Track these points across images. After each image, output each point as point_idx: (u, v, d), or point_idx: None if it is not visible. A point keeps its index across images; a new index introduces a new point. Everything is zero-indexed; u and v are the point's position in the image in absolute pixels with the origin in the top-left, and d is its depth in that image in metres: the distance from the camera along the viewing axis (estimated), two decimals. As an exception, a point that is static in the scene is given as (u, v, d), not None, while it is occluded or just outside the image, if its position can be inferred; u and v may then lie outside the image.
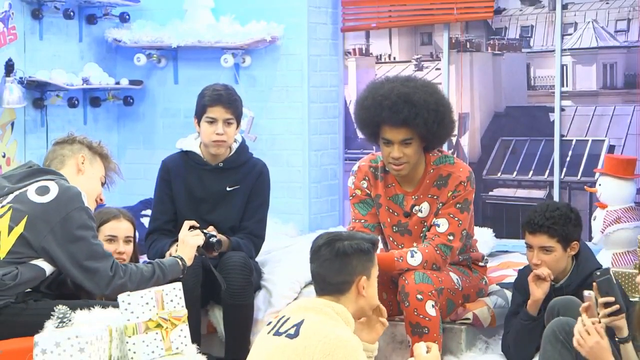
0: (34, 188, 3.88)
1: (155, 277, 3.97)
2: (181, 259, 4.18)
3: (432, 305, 4.27)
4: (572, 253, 4.28)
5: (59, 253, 3.82)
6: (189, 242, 4.32)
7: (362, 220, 4.60)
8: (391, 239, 4.58)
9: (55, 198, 3.84)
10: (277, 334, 3.36)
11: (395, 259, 4.38)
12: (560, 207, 4.30)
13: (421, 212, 4.52)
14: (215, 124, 4.87)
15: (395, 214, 4.56)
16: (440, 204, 4.46)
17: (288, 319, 3.40)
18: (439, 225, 4.45)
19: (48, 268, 3.88)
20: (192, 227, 4.55)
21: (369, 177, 4.62)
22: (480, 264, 4.75)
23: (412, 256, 4.40)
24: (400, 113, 4.35)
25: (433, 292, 4.29)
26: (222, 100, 4.87)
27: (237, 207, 4.98)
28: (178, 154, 5.08)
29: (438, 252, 4.41)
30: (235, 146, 5.03)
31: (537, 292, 4.22)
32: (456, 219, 4.44)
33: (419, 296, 4.24)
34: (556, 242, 4.23)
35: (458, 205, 4.45)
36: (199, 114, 4.93)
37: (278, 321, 3.43)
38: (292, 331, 3.33)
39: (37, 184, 3.89)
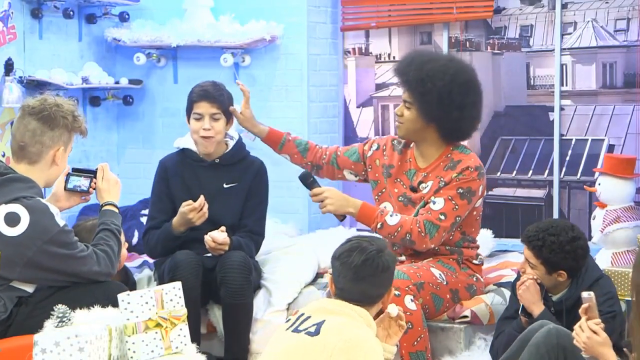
0: (3, 215, 3.78)
1: (119, 241, 4.07)
2: (115, 205, 4.19)
3: (412, 300, 4.29)
4: (559, 279, 4.15)
5: (42, 277, 3.85)
6: (109, 179, 4.23)
7: (340, 149, 4.94)
8: (395, 207, 4.65)
9: (28, 229, 3.77)
10: (296, 330, 3.38)
11: (378, 212, 4.50)
12: (562, 234, 4.10)
13: (426, 189, 4.55)
14: (202, 119, 4.91)
15: (404, 186, 4.62)
16: (443, 183, 4.49)
17: (308, 317, 3.41)
18: (434, 203, 4.49)
19: (31, 289, 3.90)
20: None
21: (386, 147, 4.78)
22: (475, 261, 4.75)
23: (391, 216, 4.49)
24: (405, 75, 4.56)
25: (410, 287, 4.31)
26: (208, 95, 4.92)
27: (235, 204, 5.00)
28: (175, 152, 5.12)
29: (418, 225, 4.43)
30: (231, 143, 5.05)
31: (522, 298, 4.17)
32: (453, 202, 4.46)
33: (396, 292, 4.26)
34: (540, 263, 4.14)
35: (460, 190, 4.47)
36: (188, 111, 4.99)
37: (297, 319, 3.44)
38: (312, 329, 3.34)
39: (5, 208, 3.79)
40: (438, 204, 4.48)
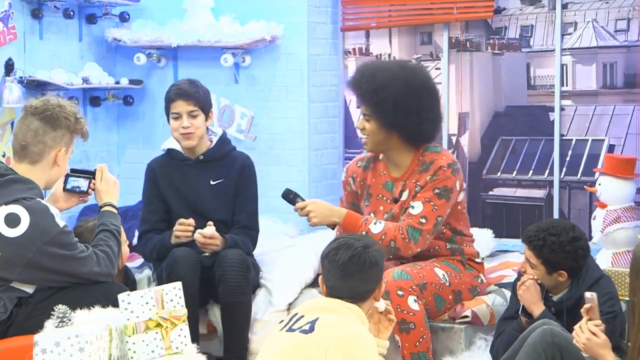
0: (3, 216, 3.79)
1: (118, 242, 4.07)
2: (113, 205, 4.19)
3: (415, 300, 4.29)
4: (560, 279, 4.15)
5: (42, 278, 3.84)
6: (108, 180, 4.23)
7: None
8: None
9: (28, 230, 3.77)
10: (291, 330, 3.39)
11: (362, 220, 4.50)
12: (562, 234, 4.10)
13: (403, 196, 4.56)
14: (180, 118, 4.95)
15: (388, 201, 4.61)
16: (419, 187, 4.48)
17: (302, 316, 3.42)
18: (413, 207, 4.49)
19: (31, 289, 3.89)
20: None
21: (356, 173, 4.76)
22: (477, 260, 4.75)
23: (375, 224, 4.48)
24: (358, 88, 4.57)
25: (414, 287, 4.32)
26: (182, 94, 4.97)
27: (225, 200, 5.02)
28: (162, 154, 5.16)
29: (401, 232, 4.43)
30: (215, 139, 5.08)
31: (523, 298, 4.18)
32: (432, 203, 4.46)
33: (400, 292, 4.26)
34: (540, 263, 4.14)
35: (436, 190, 4.47)
36: (167, 111, 5.04)
37: (290, 319, 3.45)
38: (306, 327, 3.36)
39: (5, 209, 3.80)
40: (417, 208, 4.47)
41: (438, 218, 4.47)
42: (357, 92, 4.61)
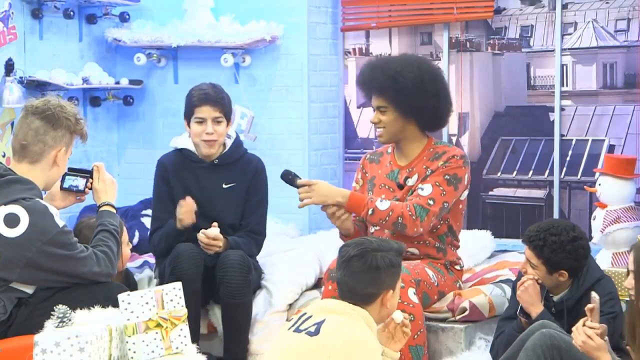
0: (2, 216, 3.77)
1: (118, 242, 4.05)
2: (112, 205, 4.18)
3: (414, 293, 4.31)
4: (560, 279, 4.14)
5: (42, 278, 3.83)
6: (105, 180, 4.19)
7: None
8: None
9: (27, 230, 3.76)
10: (298, 330, 3.41)
11: (368, 199, 4.51)
12: (562, 234, 4.09)
13: (410, 182, 4.58)
14: (205, 123, 4.92)
15: (391, 190, 4.62)
16: (430, 171, 4.51)
17: (310, 317, 3.44)
18: (422, 189, 4.53)
19: (30, 290, 3.89)
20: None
21: (364, 166, 4.81)
22: (457, 267, 4.77)
23: (381, 201, 4.50)
24: (373, 81, 4.59)
25: (412, 280, 4.34)
26: (210, 99, 4.91)
27: (236, 204, 5.00)
28: (173, 152, 5.12)
29: (409, 209, 4.46)
30: (229, 142, 5.06)
31: (521, 298, 4.17)
32: (441, 188, 4.50)
33: (401, 284, 4.26)
34: (541, 263, 4.14)
35: (446, 176, 4.52)
36: (188, 114, 4.98)
37: (299, 318, 3.47)
38: (312, 329, 3.38)
39: (5, 209, 3.78)
40: (426, 190, 4.51)
41: (445, 203, 4.51)
42: (372, 86, 4.62)
